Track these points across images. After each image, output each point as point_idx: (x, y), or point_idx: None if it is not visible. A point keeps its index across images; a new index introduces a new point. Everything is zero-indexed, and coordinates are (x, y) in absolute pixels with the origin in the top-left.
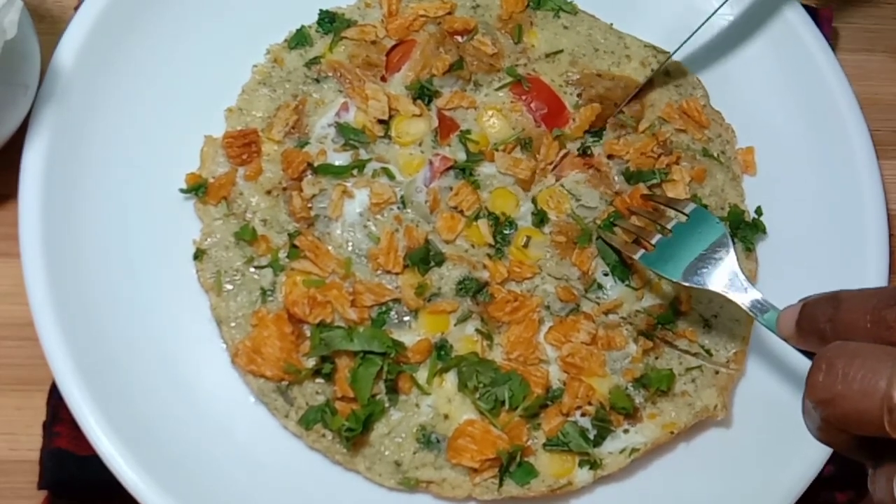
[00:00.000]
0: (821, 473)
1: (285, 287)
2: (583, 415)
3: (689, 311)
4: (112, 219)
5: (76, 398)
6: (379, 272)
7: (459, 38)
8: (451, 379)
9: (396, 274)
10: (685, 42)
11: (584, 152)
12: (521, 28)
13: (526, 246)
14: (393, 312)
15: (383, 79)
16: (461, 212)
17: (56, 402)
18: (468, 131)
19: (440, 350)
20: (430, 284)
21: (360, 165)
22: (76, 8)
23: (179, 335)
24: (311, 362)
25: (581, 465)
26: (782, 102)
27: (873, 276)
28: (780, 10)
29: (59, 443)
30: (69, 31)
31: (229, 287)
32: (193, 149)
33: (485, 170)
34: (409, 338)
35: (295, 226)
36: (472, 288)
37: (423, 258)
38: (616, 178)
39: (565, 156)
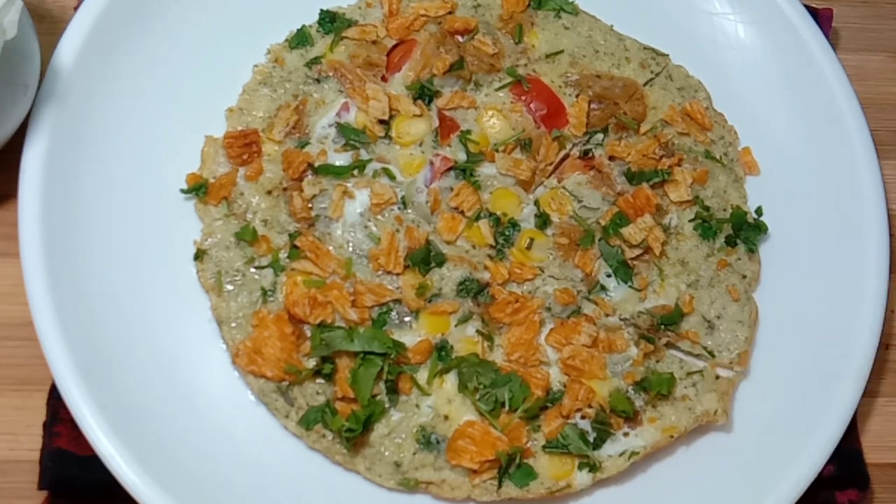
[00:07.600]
0: (821, 473)
1: (286, 287)
2: (583, 417)
3: (691, 312)
4: (112, 219)
5: (76, 398)
6: (380, 273)
7: (460, 38)
8: (451, 380)
9: (397, 274)
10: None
11: (585, 154)
12: (522, 28)
13: (529, 248)
14: (393, 313)
15: (384, 79)
16: (462, 212)
17: (56, 402)
18: (468, 132)
19: (440, 351)
20: (430, 285)
21: (360, 166)
22: (76, 8)
23: (179, 335)
24: (311, 363)
25: (580, 467)
26: (783, 102)
27: (873, 276)
28: (781, 11)
29: (59, 443)
30: (69, 31)
31: (230, 287)
32: (194, 149)
33: (485, 170)
34: (409, 338)
35: (295, 226)
36: (472, 289)
37: (424, 259)
38: (617, 178)
39: (566, 157)
